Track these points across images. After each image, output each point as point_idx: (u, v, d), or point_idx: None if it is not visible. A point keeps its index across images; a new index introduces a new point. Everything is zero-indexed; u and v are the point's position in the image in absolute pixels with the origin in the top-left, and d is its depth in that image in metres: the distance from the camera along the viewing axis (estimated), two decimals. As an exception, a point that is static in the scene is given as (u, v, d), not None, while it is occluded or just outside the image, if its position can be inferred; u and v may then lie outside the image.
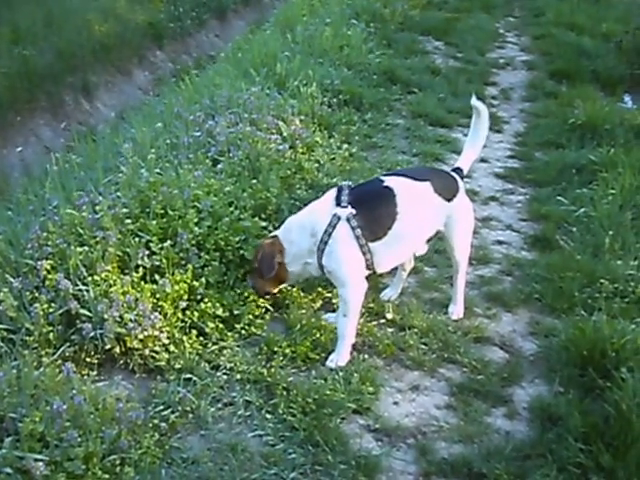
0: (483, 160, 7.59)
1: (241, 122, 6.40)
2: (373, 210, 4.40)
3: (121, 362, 4.12)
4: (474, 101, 4.95)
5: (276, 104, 7.05)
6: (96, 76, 11.79)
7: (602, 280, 5.01)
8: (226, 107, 6.83)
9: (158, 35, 13.84)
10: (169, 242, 4.52)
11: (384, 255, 4.44)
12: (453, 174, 4.79)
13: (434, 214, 4.59)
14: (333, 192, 4.48)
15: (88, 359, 4.07)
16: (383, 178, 4.65)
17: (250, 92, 7.07)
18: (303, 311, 4.66)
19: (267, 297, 4.70)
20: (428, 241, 4.81)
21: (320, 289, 4.93)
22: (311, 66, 8.47)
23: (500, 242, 5.96)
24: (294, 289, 4.86)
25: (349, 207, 4.33)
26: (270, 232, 5.20)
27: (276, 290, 4.66)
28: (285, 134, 6.55)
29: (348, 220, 4.31)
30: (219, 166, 5.72)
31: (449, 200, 4.60)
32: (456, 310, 4.89)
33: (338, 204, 4.37)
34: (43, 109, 10.70)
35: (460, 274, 4.85)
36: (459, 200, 4.68)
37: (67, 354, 4.02)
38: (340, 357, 4.32)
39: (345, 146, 7.06)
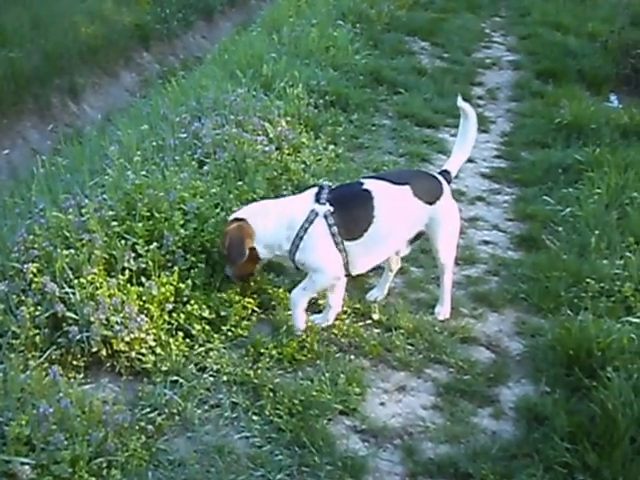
0: (470, 160, 7.46)
1: (227, 124, 6.40)
2: (350, 210, 4.47)
3: (108, 365, 4.11)
4: (460, 102, 4.97)
5: (262, 105, 7.05)
6: (83, 78, 11.73)
7: (588, 279, 5.03)
8: (212, 109, 6.82)
9: (144, 36, 13.78)
10: (155, 244, 4.51)
11: (359, 256, 4.50)
12: (437, 177, 4.80)
13: (413, 218, 4.62)
14: (314, 190, 4.55)
15: (75, 362, 4.05)
16: (363, 181, 4.71)
17: (236, 94, 7.07)
18: (290, 312, 4.65)
19: (248, 280, 4.73)
20: (412, 242, 4.82)
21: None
22: (297, 67, 8.47)
23: (486, 242, 5.98)
24: (280, 290, 4.86)
25: (327, 204, 4.40)
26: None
27: (254, 270, 4.68)
28: (271, 135, 6.55)
29: (325, 217, 4.38)
30: (205, 168, 5.70)
31: (431, 203, 4.62)
32: (442, 311, 4.89)
33: (317, 201, 4.43)
34: (30, 111, 10.64)
35: (446, 275, 4.86)
36: (442, 203, 4.68)
37: (54, 357, 4.01)
38: (296, 324, 4.50)
39: (331, 147, 7.06)
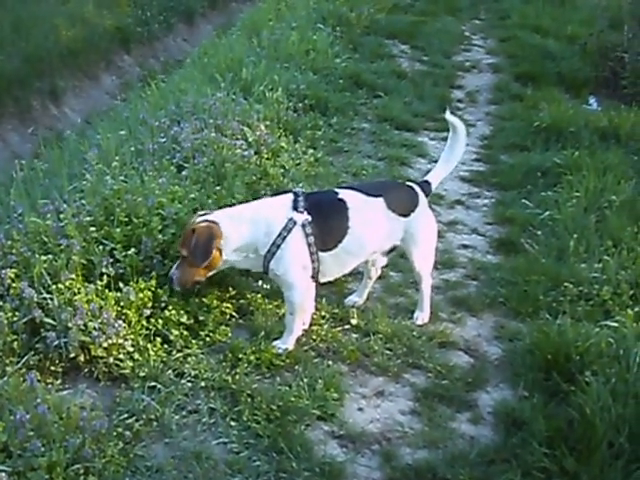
0: (449, 164, 7.63)
1: (206, 128, 6.38)
2: (327, 220, 4.47)
3: (86, 370, 4.08)
4: (449, 116, 4.98)
5: (241, 109, 7.03)
6: (64, 81, 11.70)
7: (567, 283, 5.05)
8: (192, 113, 6.80)
9: (125, 39, 13.76)
10: (133, 250, 4.50)
11: (330, 266, 4.53)
12: (414, 188, 4.79)
13: (387, 230, 4.62)
14: (289, 196, 4.49)
15: (52, 367, 4.03)
16: (337, 190, 4.72)
17: (216, 97, 7.06)
18: (267, 318, 4.65)
19: (191, 288, 4.53)
20: (388, 253, 4.85)
21: (285, 295, 4.94)
22: (277, 71, 8.47)
23: (465, 246, 5.99)
24: (258, 295, 4.85)
25: (305, 213, 4.38)
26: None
27: (204, 279, 4.50)
28: (250, 140, 6.54)
29: (303, 226, 4.36)
30: (184, 172, 5.68)
31: (405, 215, 4.64)
32: (421, 316, 4.90)
33: (295, 209, 4.39)
34: (10, 114, 10.60)
35: (424, 283, 4.88)
36: (418, 215, 4.70)
37: (31, 363, 3.98)
38: (286, 345, 4.43)
39: (311, 151, 7.06)
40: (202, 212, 4.58)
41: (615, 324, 4.49)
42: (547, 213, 6.15)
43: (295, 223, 4.35)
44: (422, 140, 8.05)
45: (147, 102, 7.67)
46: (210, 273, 4.48)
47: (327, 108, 8.40)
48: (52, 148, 7.07)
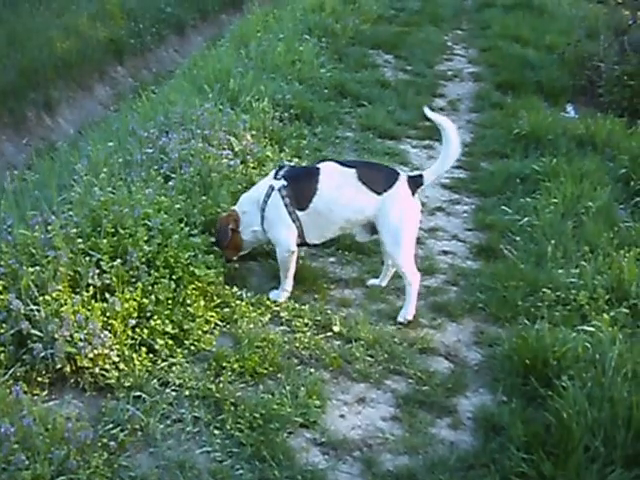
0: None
1: (194, 138, 6.46)
2: (299, 183, 5.10)
3: (72, 381, 4.13)
4: (429, 113, 5.22)
5: (229, 120, 7.11)
6: (58, 92, 11.81)
7: (544, 289, 5.15)
8: (180, 123, 6.89)
9: (119, 51, 13.89)
10: (119, 261, 4.56)
11: (309, 226, 5.08)
12: (396, 171, 5.15)
13: (356, 200, 5.00)
14: (274, 169, 5.28)
15: (40, 379, 4.07)
16: (319, 162, 5.41)
17: (204, 108, 7.13)
18: (252, 325, 4.73)
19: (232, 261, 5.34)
20: (372, 233, 5.17)
21: (268, 303, 5.03)
22: (264, 81, 8.56)
23: (446, 252, 6.08)
24: (243, 303, 4.94)
25: (282, 180, 5.08)
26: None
27: (236, 257, 5.35)
28: (236, 149, 6.64)
29: (279, 190, 5.04)
30: (171, 183, 5.76)
31: (378, 193, 4.97)
32: (402, 312, 5.03)
33: (275, 177, 5.12)
34: (5, 125, 10.70)
35: (407, 278, 5.03)
36: (392, 196, 4.96)
37: (18, 374, 4.03)
38: (278, 297, 5.11)
39: (296, 160, 7.12)
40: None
41: (592, 329, 4.58)
42: (526, 219, 6.24)
43: (273, 189, 5.08)
44: (404, 148, 8.15)
45: (137, 113, 7.73)
46: (241, 252, 5.37)
47: (312, 117, 8.49)
48: (44, 159, 7.14)
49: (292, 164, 5.52)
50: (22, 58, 11.52)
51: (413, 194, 5.03)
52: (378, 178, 5.02)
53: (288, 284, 5.15)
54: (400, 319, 5.00)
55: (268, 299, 5.06)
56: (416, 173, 5.20)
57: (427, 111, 5.24)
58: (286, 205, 5.03)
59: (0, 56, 11.38)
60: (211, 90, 7.95)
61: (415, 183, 5.03)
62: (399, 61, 11.66)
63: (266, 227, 5.13)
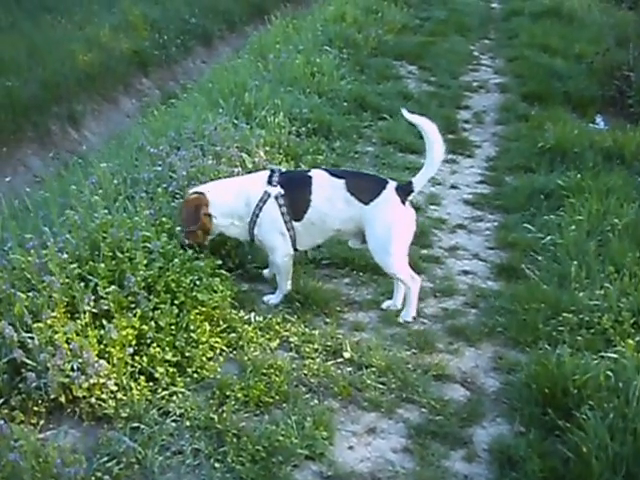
0: (453, 187, 7.54)
1: (204, 155, 6.30)
2: (295, 193, 5.04)
3: (69, 410, 3.97)
4: (407, 115, 5.21)
5: (241, 135, 6.94)
6: (82, 105, 11.83)
7: (567, 312, 4.91)
8: (191, 139, 6.74)
9: (143, 63, 13.91)
10: (114, 287, 4.38)
11: (303, 235, 5.10)
12: (384, 181, 5.10)
13: (346, 211, 5.01)
14: (266, 172, 5.19)
15: (35, 408, 3.91)
16: (309, 169, 5.51)
17: (217, 123, 6.99)
18: (258, 352, 4.54)
19: (198, 247, 5.09)
20: (363, 242, 5.13)
21: (278, 327, 4.82)
22: (280, 95, 8.40)
23: (466, 272, 5.85)
24: (250, 328, 4.75)
25: (278, 187, 5.03)
26: (229, 270, 5.16)
27: (205, 242, 5.17)
28: (249, 166, 6.44)
29: (276, 198, 5.00)
30: (178, 201, 5.61)
31: (365, 202, 4.97)
32: (403, 313, 5.08)
33: (269, 183, 5.03)
34: (30, 139, 10.72)
35: (402, 281, 5.06)
36: (378, 205, 4.97)
37: (14, 403, 3.88)
38: (274, 301, 5.14)
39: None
40: (193, 187, 5.29)
41: (615, 355, 4.32)
42: (549, 237, 6.01)
43: (269, 195, 5.01)
44: (426, 162, 7.92)
45: (147, 130, 7.61)
46: (209, 237, 5.17)
47: (330, 132, 8.31)
48: (61, 174, 7.04)
49: (283, 169, 5.54)
50: (44, 71, 11.58)
51: (403, 202, 5.00)
52: (365, 188, 5.03)
53: (286, 287, 5.16)
54: (401, 320, 5.04)
55: (278, 324, 4.86)
56: (406, 181, 5.16)
57: (405, 113, 5.21)
58: (282, 214, 5.02)
59: (22, 69, 11.45)
60: (226, 104, 7.80)
61: (404, 191, 5.02)
62: (423, 72, 11.50)
63: (258, 232, 5.07)
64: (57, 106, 11.40)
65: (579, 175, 6.97)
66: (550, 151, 7.87)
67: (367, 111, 9.31)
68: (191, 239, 5.05)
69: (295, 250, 5.17)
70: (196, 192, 5.12)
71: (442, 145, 5.05)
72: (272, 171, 5.19)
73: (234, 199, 5.10)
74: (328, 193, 5.03)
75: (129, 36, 14.04)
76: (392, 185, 5.03)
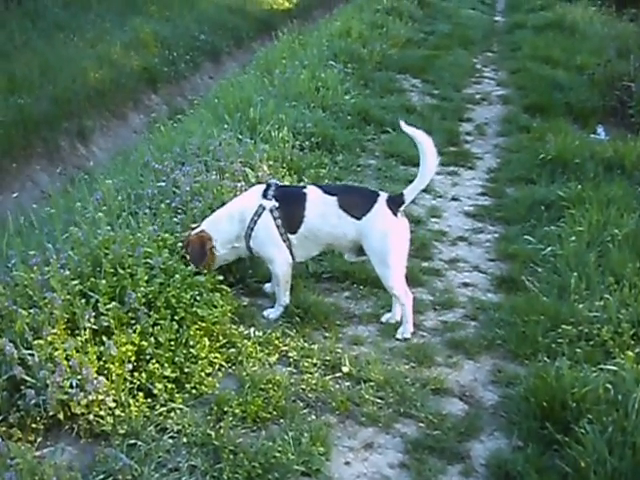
0: (454, 199, 7.55)
1: (208, 170, 6.34)
2: (289, 207, 5.12)
3: (67, 427, 3.98)
4: (405, 127, 5.15)
5: (245, 150, 6.97)
6: (91, 121, 11.93)
7: (566, 324, 4.89)
8: (196, 155, 6.77)
9: (152, 79, 14.03)
10: (115, 303, 4.40)
11: (298, 248, 5.18)
12: (375, 195, 5.12)
13: (339, 226, 5.07)
14: (261, 187, 5.28)
15: (34, 425, 3.93)
16: (304, 185, 5.66)
17: (221, 138, 7.02)
18: (257, 367, 4.55)
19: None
20: (359, 255, 5.19)
21: (277, 342, 4.83)
22: (285, 109, 8.44)
23: (466, 284, 5.86)
24: (249, 343, 4.76)
25: (273, 200, 5.11)
26: (229, 285, 5.19)
27: (212, 267, 5.20)
28: (252, 181, 6.47)
29: (271, 211, 5.09)
30: (180, 217, 5.64)
31: (357, 217, 5.03)
32: (400, 330, 5.08)
33: (264, 197, 5.13)
34: (39, 155, 10.80)
35: (399, 298, 5.05)
36: (371, 219, 5.01)
37: (12, 420, 3.89)
38: (274, 315, 5.17)
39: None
40: (193, 226, 5.34)
41: (614, 367, 4.30)
42: (549, 249, 6.01)
43: (264, 209, 5.10)
44: (428, 175, 7.93)
45: (152, 145, 7.65)
46: (212, 267, 5.19)
47: (333, 145, 8.35)
48: (67, 190, 7.08)
49: (279, 183, 5.63)
50: (55, 88, 11.68)
51: (395, 214, 5.02)
52: (357, 203, 5.08)
53: (285, 299, 5.20)
54: (399, 336, 5.03)
55: (277, 338, 4.87)
56: (397, 192, 5.19)
57: (402, 124, 5.16)
58: (277, 226, 5.10)
59: (34, 86, 11.57)
60: (231, 119, 7.84)
61: (395, 203, 5.05)
62: (426, 85, 11.54)
63: (254, 245, 5.16)
64: (67, 122, 11.51)
65: (580, 186, 6.97)
66: (551, 162, 7.87)
67: (370, 124, 9.36)
68: (201, 270, 5.08)
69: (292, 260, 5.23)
70: (195, 234, 5.21)
71: (436, 158, 5.06)
72: (268, 185, 5.27)
73: (228, 224, 5.18)
74: (321, 209, 5.09)
75: (139, 53, 14.20)
76: (383, 197, 5.07)
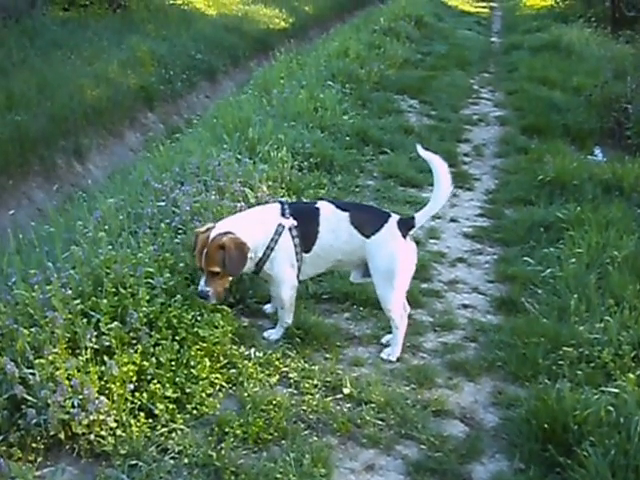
0: (452, 220, 7.57)
1: (208, 190, 6.34)
2: (305, 225, 5.01)
3: (68, 447, 3.97)
4: (421, 152, 5.12)
5: (245, 170, 6.97)
6: (88, 139, 11.92)
7: (566, 346, 4.89)
8: (195, 174, 6.77)
9: (149, 97, 14.05)
10: (116, 323, 4.40)
11: (308, 266, 5.10)
12: (386, 215, 5.08)
13: (349, 243, 5.02)
14: (276, 205, 5.10)
15: (34, 444, 3.91)
16: (315, 200, 5.60)
17: (220, 158, 7.03)
18: (258, 388, 4.54)
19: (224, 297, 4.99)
20: (364, 275, 5.14)
21: (277, 363, 4.82)
22: (284, 130, 8.47)
23: (466, 306, 5.86)
24: (250, 364, 4.75)
25: (291, 218, 4.98)
26: (230, 305, 5.17)
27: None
28: (252, 201, 6.49)
29: (290, 230, 4.95)
30: (181, 237, 5.64)
31: (366, 236, 4.98)
32: (388, 350, 5.07)
33: (282, 215, 4.98)
34: (35, 172, 10.78)
35: (393, 319, 5.02)
36: (380, 239, 4.97)
37: (12, 440, 3.88)
38: (276, 336, 5.13)
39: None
40: (203, 228, 4.92)
41: (615, 390, 4.31)
42: (549, 270, 6.02)
43: (284, 228, 4.94)
44: (426, 196, 7.86)
45: (152, 164, 7.66)
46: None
47: (332, 166, 8.38)
48: (64, 208, 7.07)
49: (289, 200, 5.71)
50: (52, 105, 11.68)
51: (404, 236, 4.99)
52: (367, 221, 5.04)
53: (288, 320, 5.15)
54: (383, 356, 5.04)
55: (277, 359, 4.86)
56: (410, 216, 5.14)
57: (420, 149, 5.15)
58: (295, 246, 4.98)
59: (31, 104, 11.55)
60: (230, 139, 7.86)
61: (406, 225, 5.02)
62: (424, 106, 11.60)
63: (270, 265, 4.97)
64: (64, 140, 11.50)
65: (578, 207, 7.01)
66: (549, 183, 7.91)
67: (369, 145, 9.41)
68: (222, 288, 4.83)
69: (299, 282, 5.15)
70: (223, 233, 4.76)
71: (450, 185, 5.03)
72: (281, 203, 5.13)
73: (261, 232, 4.93)
74: (333, 225, 5.02)
75: (136, 71, 14.22)
76: (394, 219, 5.04)
